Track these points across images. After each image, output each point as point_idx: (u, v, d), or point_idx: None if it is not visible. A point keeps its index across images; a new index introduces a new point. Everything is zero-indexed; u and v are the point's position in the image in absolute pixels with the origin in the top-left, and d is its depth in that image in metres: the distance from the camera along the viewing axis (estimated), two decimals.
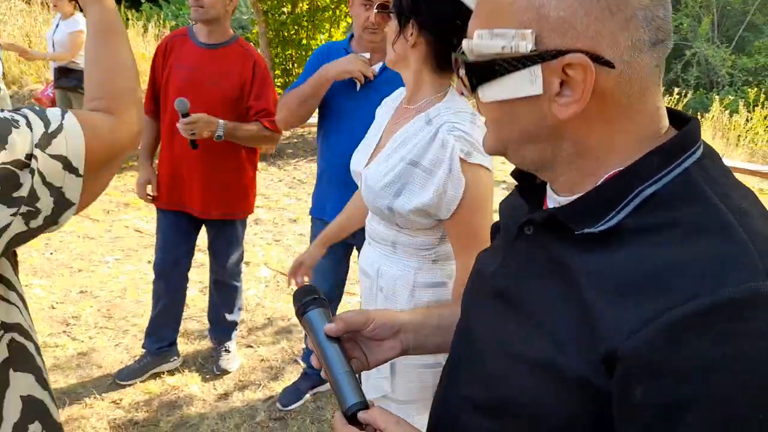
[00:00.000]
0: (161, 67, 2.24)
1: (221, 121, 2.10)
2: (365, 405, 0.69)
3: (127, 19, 9.57)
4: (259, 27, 7.55)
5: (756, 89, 8.96)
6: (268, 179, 5.56)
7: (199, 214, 2.32)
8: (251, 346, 2.79)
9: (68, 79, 4.38)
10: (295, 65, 8.06)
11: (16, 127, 0.67)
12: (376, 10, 1.74)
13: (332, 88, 1.90)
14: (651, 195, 0.53)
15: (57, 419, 0.81)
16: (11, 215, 0.65)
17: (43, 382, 0.79)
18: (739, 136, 7.49)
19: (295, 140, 6.74)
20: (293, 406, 2.38)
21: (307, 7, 7.55)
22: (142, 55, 7.44)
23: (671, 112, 0.59)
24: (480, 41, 0.56)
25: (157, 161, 2.39)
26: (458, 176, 1.16)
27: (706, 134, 7.58)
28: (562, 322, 0.53)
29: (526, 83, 0.54)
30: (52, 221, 0.72)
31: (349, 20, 7.79)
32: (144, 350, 2.50)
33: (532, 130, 0.57)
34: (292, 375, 2.59)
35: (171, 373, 2.50)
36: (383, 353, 0.81)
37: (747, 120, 7.64)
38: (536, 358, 0.54)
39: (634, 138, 0.55)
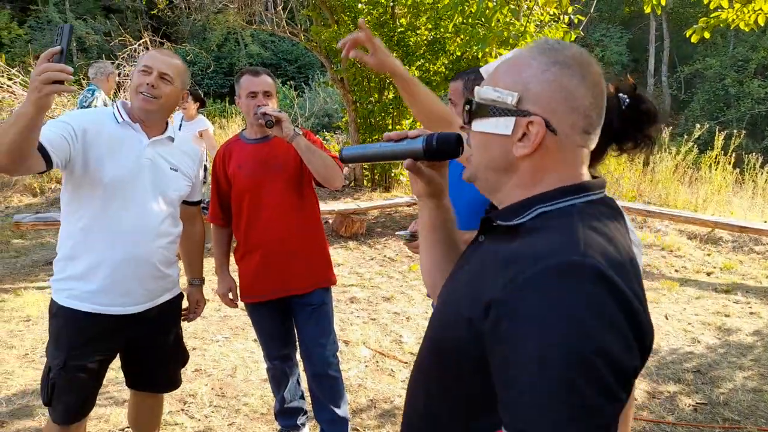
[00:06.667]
0: (222, 174, 2.36)
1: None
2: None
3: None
4: (349, 115, 8.07)
5: None
6: (360, 258, 5.71)
7: (297, 290, 2.33)
8: (357, 430, 2.79)
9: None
10: None
11: None
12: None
13: None
14: (544, 212, 0.81)
15: None
16: None
17: None
18: None
19: (383, 219, 6.93)
20: None
21: (392, 95, 8.00)
22: None
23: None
24: (486, 91, 0.86)
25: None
26: None
27: None
28: (473, 288, 0.81)
29: (502, 126, 0.84)
30: None
31: None
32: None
33: (497, 159, 0.86)
34: None
35: None
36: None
37: None
38: (455, 310, 0.83)
39: (555, 182, 0.83)
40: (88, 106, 4.77)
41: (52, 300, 1.88)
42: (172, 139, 1.99)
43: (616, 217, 0.83)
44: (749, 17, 4.79)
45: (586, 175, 0.85)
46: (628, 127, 0.99)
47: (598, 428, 0.64)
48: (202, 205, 2.28)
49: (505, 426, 0.70)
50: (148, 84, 1.83)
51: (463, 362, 0.80)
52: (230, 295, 2.46)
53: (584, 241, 0.72)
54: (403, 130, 1.01)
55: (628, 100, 0.99)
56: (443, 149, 0.95)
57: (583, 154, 0.84)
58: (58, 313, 1.85)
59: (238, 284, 2.45)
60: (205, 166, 5.30)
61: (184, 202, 2.10)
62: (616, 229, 0.79)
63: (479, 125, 0.87)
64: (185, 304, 2.23)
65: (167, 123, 2.00)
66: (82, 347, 1.84)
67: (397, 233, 2.07)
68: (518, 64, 0.84)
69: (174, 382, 2.18)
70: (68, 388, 1.84)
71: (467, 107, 0.89)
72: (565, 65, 0.81)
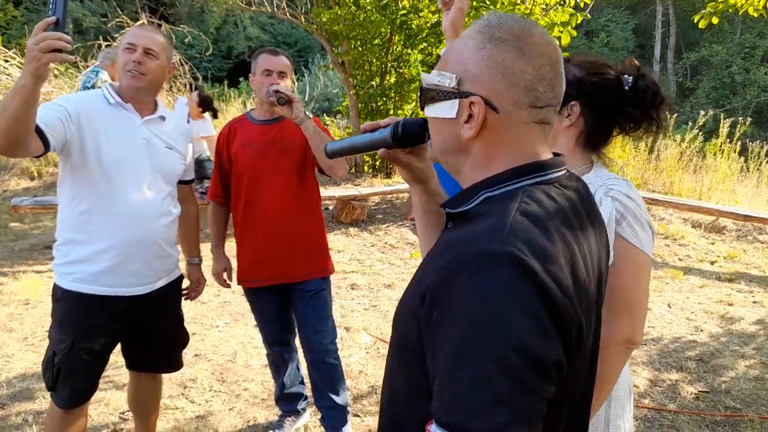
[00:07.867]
0: (225, 152, 2.34)
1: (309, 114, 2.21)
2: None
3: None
4: (350, 99, 7.98)
5: None
6: (361, 244, 5.68)
7: (293, 278, 2.31)
8: (358, 415, 2.78)
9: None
10: None
11: None
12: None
13: None
14: (488, 197, 0.80)
15: None
16: None
17: None
18: None
19: (385, 206, 6.89)
20: None
21: (394, 80, 7.91)
22: None
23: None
24: (430, 76, 0.86)
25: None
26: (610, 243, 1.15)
27: None
28: (421, 275, 0.81)
29: (448, 109, 0.83)
30: None
31: None
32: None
33: (449, 142, 0.85)
34: None
35: None
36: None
37: None
38: (404, 300, 0.84)
39: (508, 161, 0.81)
40: (92, 87, 4.70)
41: (55, 285, 1.86)
42: (163, 118, 1.98)
43: (569, 198, 0.82)
44: (758, 2, 4.70)
45: (543, 153, 0.83)
46: (629, 107, 0.99)
47: (514, 417, 0.64)
48: (201, 189, 2.25)
49: (433, 412, 0.70)
50: (134, 61, 1.82)
51: (410, 351, 0.80)
52: (224, 275, 2.43)
53: (509, 228, 0.71)
54: (376, 121, 1.01)
55: (631, 80, 0.97)
56: (408, 136, 0.96)
57: (536, 130, 0.82)
58: (63, 297, 1.83)
59: (234, 266, 2.42)
60: (209, 158, 5.22)
61: (179, 182, 2.08)
62: (559, 213, 0.77)
63: (430, 110, 0.87)
64: (186, 284, 2.23)
65: (157, 102, 1.98)
66: (89, 330, 1.83)
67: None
68: (459, 46, 0.84)
69: (176, 363, 2.19)
70: (74, 372, 1.83)
71: (421, 96, 0.89)
72: (501, 41, 0.80)
